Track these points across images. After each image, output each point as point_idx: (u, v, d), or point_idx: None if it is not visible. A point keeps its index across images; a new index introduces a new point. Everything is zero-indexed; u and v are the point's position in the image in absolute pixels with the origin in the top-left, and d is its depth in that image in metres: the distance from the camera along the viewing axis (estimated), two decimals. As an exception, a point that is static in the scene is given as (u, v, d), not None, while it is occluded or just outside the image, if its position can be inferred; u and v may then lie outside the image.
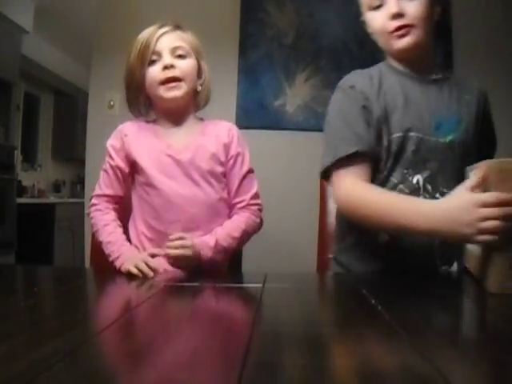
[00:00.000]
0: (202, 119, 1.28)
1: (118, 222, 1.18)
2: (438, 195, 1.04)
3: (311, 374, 0.45)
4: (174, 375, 0.45)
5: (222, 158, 1.20)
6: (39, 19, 3.98)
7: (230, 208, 1.22)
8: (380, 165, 1.07)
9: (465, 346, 0.55)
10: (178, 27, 1.19)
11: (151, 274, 1.00)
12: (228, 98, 2.50)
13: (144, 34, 1.16)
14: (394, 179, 1.06)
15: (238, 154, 1.21)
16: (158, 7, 2.56)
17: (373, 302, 0.75)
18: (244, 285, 1.05)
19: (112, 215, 1.18)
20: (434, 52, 1.14)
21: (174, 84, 1.13)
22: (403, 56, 1.10)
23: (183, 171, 1.16)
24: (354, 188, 1.02)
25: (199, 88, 1.23)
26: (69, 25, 4.35)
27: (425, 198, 1.04)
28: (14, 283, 1.02)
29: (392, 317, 0.66)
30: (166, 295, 0.87)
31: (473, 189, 0.82)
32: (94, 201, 1.20)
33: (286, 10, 2.52)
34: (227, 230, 1.15)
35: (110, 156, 1.20)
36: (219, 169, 1.20)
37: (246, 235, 1.18)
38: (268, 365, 0.47)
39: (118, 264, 1.07)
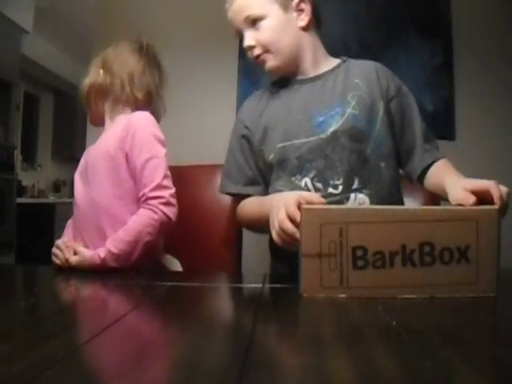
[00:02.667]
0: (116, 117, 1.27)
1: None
2: (330, 189, 1.08)
3: (311, 374, 0.45)
4: (174, 375, 0.45)
5: (114, 153, 1.15)
6: (39, 19, 3.98)
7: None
8: (269, 178, 1.16)
9: (465, 345, 0.55)
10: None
11: (65, 257, 1.08)
12: (228, 98, 2.49)
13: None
14: (281, 188, 1.11)
15: (133, 146, 1.13)
16: (158, 7, 2.56)
17: (372, 301, 0.75)
18: (244, 285, 1.05)
19: None
20: (313, 50, 1.16)
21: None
22: (275, 75, 1.19)
23: (84, 174, 1.22)
24: (237, 210, 1.21)
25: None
26: (69, 25, 4.35)
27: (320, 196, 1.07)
28: (14, 283, 1.02)
29: (392, 317, 0.66)
30: (166, 295, 0.87)
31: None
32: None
33: (285, 9, 2.52)
34: (120, 236, 1.10)
35: None
36: (112, 165, 1.15)
37: (145, 235, 1.10)
38: (268, 365, 0.47)
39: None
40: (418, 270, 0.76)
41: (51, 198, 4.74)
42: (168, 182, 1.13)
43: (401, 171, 1.18)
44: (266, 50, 1.11)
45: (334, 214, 0.79)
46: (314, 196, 0.90)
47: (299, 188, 1.09)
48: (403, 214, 0.80)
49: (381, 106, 1.12)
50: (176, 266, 1.29)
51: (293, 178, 1.10)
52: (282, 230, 0.83)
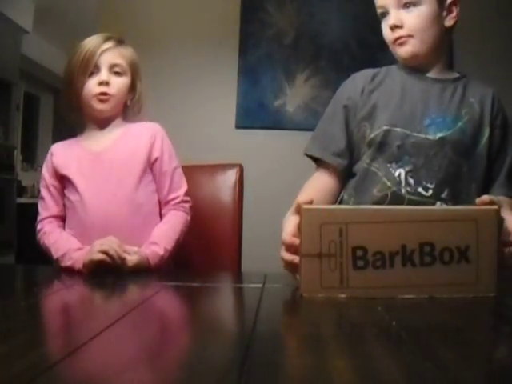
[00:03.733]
0: (126, 123, 1.29)
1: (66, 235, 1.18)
2: (420, 189, 1.08)
3: (311, 374, 0.45)
4: (174, 375, 0.45)
5: (144, 158, 1.20)
6: (39, 19, 3.98)
7: (163, 205, 1.23)
8: (361, 155, 1.15)
9: (465, 345, 0.55)
10: (120, 42, 1.24)
11: (119, 260, 1.01)
12: (228, 98, 2.50)
13: (89, 45, 1.21)
14: (375, 170, 1.12)
15: (163, 152, 1.23)
16: (158, 8, 2.56)
17: (372, 302, 0.75)
18: (244, 285, 1.05)
19: (58, 231, 1.18)
20: (446, 53, 1.19)
21: (104, 97, 1.19)
22: (406, 62, 1.17)
23: (105, 173, 1.19)
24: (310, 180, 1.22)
25: (129, 102, 1.27)
26: (69, 25, 4.34)
27: (407, 191, 1.09)
28: (14, 283, 1.02)
29: (392, 317, 0.66)
30: (166, 295, 0.87)
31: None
32: (38, 228, 1.20)
33: (285, 10, 2.52)
34: (169, 234, 1.16)
35: (43, 179, 1.24)
36: (140, 168, 1.20)
37: (182, 236, 1.19)
38: (268, 365, 0.47)
39: (75, 261, 1.06)
40: (418, 270, 0.76)
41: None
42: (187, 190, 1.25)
43: None
44: (410, 35, 1.11)
45: (333, 214, 0.79)
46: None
47: (392, 176, 1.10)
48: (403, 214, 0.80)
49: (487, 132, 1.14)
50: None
51: (388, 165, 1.11)
52: (283, 259, 0.86)
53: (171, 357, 0.50)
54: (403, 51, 1.13)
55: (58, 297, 0.88)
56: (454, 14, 1.14)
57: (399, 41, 1.12)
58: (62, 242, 1.14)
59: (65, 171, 1.20)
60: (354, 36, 2.42)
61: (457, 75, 1.20)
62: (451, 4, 1.13)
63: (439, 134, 1.10)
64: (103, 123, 1.25)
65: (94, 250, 1.02)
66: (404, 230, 0.77)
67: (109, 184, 1.17)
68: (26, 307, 0.74)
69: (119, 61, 1.21)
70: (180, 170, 1.25)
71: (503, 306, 0.76)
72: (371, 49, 2.33)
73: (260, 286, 0.89)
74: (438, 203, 1.09)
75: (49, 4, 3.93)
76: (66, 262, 1.08)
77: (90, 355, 0.51)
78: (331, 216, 0.78)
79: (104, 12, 2.58)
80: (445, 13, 1.13)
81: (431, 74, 1.17)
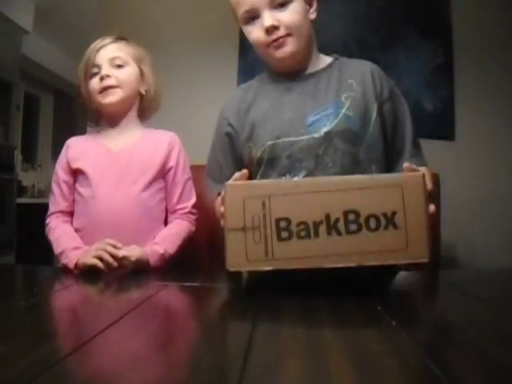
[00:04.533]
0: (144, 127, 1.32)
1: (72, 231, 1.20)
2: None
3: (311, 374, 0.45)
4: (174, 374, 0.45)
5: (160, 165, 1.23)
6: (39, 19, 3.98)
7: (170, 213, 1.26)
8: (255, 176, 1.12)
9: (465, 345, 0.55)
10: (119, 39, 1.25)
11: (115, 263, 1.03)
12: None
13: (89, 48, 1.24)
14: None
15: (178, 162, 1.27)
16: (158, 8, 2.56)
17: (373, 301, 0.75)
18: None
19: (63, 227, 1.20)
20: (315, 46, 1.16)
21: (107, 91, 1.20)
22: (284, 64, 1.13)
23: (121, 173, 1.20)
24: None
25: (143, 91, 1.28)
26: (69, 25, 4.34)
27: None
28: (14, 283, 1.02)
29: (392, 316, 0.66)
30: (167, 295, 0.87)
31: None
32: (46, 222, 1.24)
33: (286, 10, 2.52)
34: (172, 238, 1.19)
35: (56, 174, 1.26)
36: (154, 172, 1.22)
37: (185, 244, 1.22)
38: (268, 365, 0.47)
39: (70, 261, 1.07)
40: (345, 238, 0.76)
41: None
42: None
43: None
44: (289, 34, 1.07)
45: (256, 188, 0.80)
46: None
47: None
48: (325, 183, 0.80)
49: (374, 109, 1.10)
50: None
51: (283, 178, 1.08)
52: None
53: (171, 356, 0.50)
54: (282, 52, 1.08)
55: (58, 297, 0.88)
56: (314, 7, 1.12)
57: (276, 43, 1.07)
58: (63, 239, 1.16)
59: (79, 165, 1.21)
60: (353, 36, 2.42)
61: (329, 61, 1.16)
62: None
63: (324, 129, 1.07)
64: (116, 119, 1.25)
65: (89, 254, 1.04)
66: (327, 200, 0.77)
67: (122, 184, 1.19)
68: (26, 307, 0.74)
69: (118, 53, 1.22)
70: (191, 183, 1.29)
71: (503, 305, 0.76)
72: (371, 49, 2.33)
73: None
74: None
75: (49, 4, 3.93)
76: (63, 260, 1.10)
77: (90, 355, 0.51)
78: (254, 190, 0.79)
79: (104, 12, 2.58)
80: (307, 7, 1.11)
81: (303, 71, 1.14)
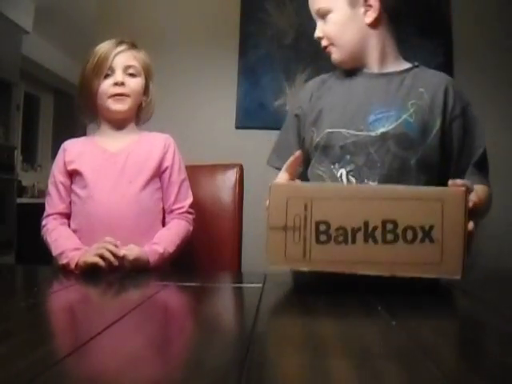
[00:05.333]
0: (140, 130, 1.32)
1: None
2: None
3: (311, 374, 0.45)
4: (173, 375, 0.45)
5: (155, 165, 1.23)
6: (39, 19, 3.98)
7: (167, 214, 1.26)
8: (312, 160, 1.18)
9: (465, 345, 0.55)
10: (133, 46, 1.27)
11: (116, 262, 1.03)
12: (228, 98, 2.49)
13: (102, 49, 1.24)
14: (321, 173, 1.14)
15: (173, 163, 1.26)
16: (158, 8, 2.56)
17: (373, 301, 0.75)
18: (244, 285, 1.05)
19: (61, 229, 1.19)
20: (381, 47, 1.17)
21: (120, 97, 1.21)
22: (340, 67, 1.20)
23: (117, 173, 1.21)
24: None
25: (144, 104, 1.30)
26: (69, 25, 4.34)
27: None
28: (14, 283, 1.02)
29: (392, 317, 0.66)
30: (167, 295, 0.87)
31: None
32: (42, 223, 1.22)
33: (286, 10, 2.52)
34: (171, 238, 1.19)
35: (52, 175, 1.26)
36: (150, 173, 1.22)
37: (184, 244, 1.22)
38: (268, 365, 0.47)
39: (70, 260, 1.07)
40: (380, 247, 0.76)
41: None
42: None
43: None
44: (331, 43, 1.15)
45: (300, 190, 0.82)
46: None
47: (335, 177, 1.11)
48: (366, 191, 0.82)
49: (439, 122, 1.10)
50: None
51: (332, 166, 1.12)
52: None
53: (171, 356, 0.50)
54: (332, 59, 1.17)
55: (58, 297, 0.88)
56: (373, 8, 1.12)
57: (326, 50, 1.17)
58: (62, 240, 1.15)
59: (76, 166, 1.22)
60: (354, 36, 2.42)
61: (407, 66, 1.17)
62: (366, 0, 1.12)
63: (381, 130, 1.09)
64: (119, 124, 1.27)
65: (91, 253, 1.04)
66: (367, 207, 0.78)
67: (119, 184, 1.19)
68: (26, 307, 0.74)
69: (133, 62, 1.24)
70: (187, 183, 1.29)
71: (503, 305, 0.76)
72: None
73: (260, 285, 0.89)
74: None
75: (49, 4, 3.93)
76: (63, 260, 1.09)
77: (90, 355, 0.51)
78: (297, 191, 0.81)
79: (104, 12, 2.58)
80: (362, 10, 1.12)
81: (375, 69, 1.16)
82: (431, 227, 0.76)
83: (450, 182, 0.82)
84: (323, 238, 0.78)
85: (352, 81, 1.18)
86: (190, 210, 1.27)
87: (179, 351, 0.53)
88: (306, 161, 1.19)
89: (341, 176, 1.10)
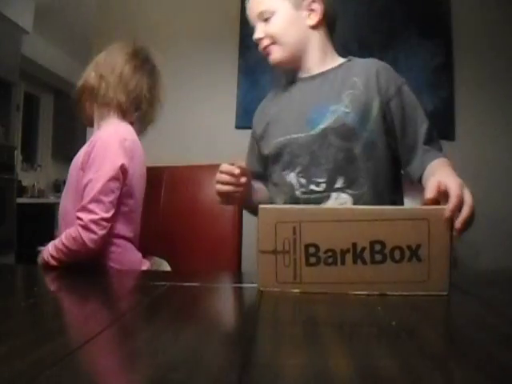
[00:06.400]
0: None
1: None
2: (312, 186, 1.11)
3: (311, 374, 0.45)
4: (174, 375, 0.45)
5: (80, 167, 1.20)
6: (39, 19, 3.98)
7: None
8: (268, 172, 1.23)
9: (465, 345, 0.55)
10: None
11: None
12: (228, 98, 2.50)
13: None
14: (276, 181, 1.18)
15: (88, 162, 1.17)
16: (158, 8, 2.56)
17: (373, 301, 0.75)
18: (244, 285, 1.05)
19: None
20: (321, 48, 1.19)
21: None
22: (280, 68, 1.23)
23: (67, 182, 1.25)
24: None
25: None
26: (69, 25, 4.35)
27: (301, 192, 1.12)
28: (14, 283, 1.02)
29: (392, 317, 0.66)
30: (166, 295, 0.87)
31: None
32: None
33: (286, 10, 2.52)
34: (56, 241, 1.15)
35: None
36: (76, 177, 1.20)
37: (67, 249, 1.12)
38: (268, 365, 0.47)
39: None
40: (369, 267, 0.78)
41: (51, 198, 4.73)
42: (94, 207, 1.12)
43: (402, 172, 1.18)
44: (273, 42, 1.16)
45: (288, 213, 0.82)
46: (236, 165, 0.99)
47: (287, 182, 1.13)
48: (354, 213, 0.83)
49: (376, 106, 1.11)
50: (165, 266, 1.30)
51: (283, 173, 1.15)
52: (219, 182, 0.99)
53: (171, 356, 0.50)
54: (271, 60, 1.18)
55: (58, 297, 0.88)
56: (316, 12, 1.15)
57: (264, 51, 1.18)
58: None
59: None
60: (354, 36, 2.42)
61: (341, 61, 1.20)
62: (310, 4, 1.15)
63: (320, 126, 1.11)
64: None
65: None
66: (355, 229, 0.79)
67: (64, 197, 1.25)
68: (26, 307, 0.74)
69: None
70: (92, 184, 1.14)
71: (503, 305, 0.76)
72: (371, 49, 2.33)
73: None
74: (334, 194, 1.09)
75: (49, 4, 3.93)
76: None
77: (90, 355, 0.51)
78: (286, 215, 0.82)
79: (104, 12, 2.58)
80: (305, 13, 1.16)
81: (315, 70, 1.19)
82: (418, 246, 0.78)
83: (426, 199, 0.82)
84: (313, 260, 0.79)
85: (291, 88, 1.22)
86: (77, 214, 1.13)
87: (179, 351, 0.53)
88: (264, 174, 1.25)
89: (291, 180, 1.13)
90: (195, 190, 1.40)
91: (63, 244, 1.12)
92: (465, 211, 0.78)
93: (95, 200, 1.12)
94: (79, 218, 1.11)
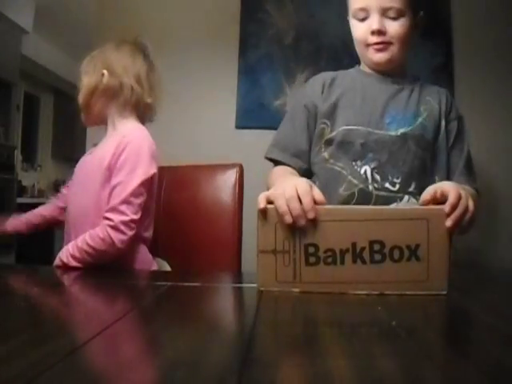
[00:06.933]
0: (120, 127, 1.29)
1: None
2: (387, 184, 1.12)
3: (311, 374, 0.45)
4: (174, 375, 0.45)
5: (106, 166, 1.18)
6: (39, 19, 3.98)
7: None
8: (318, 153, 1.19)
9: (465, 345, 0.55)
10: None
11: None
12: (228, 98, 2.49)
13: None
14: (339, 169, 1.15)
15: (116, 165, 1.17)
16: (158, 7, 2.56)
17: (372, 301, 0.75)
18: (244, 285, 1.05)
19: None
20: (406, 62, 1.26)
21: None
22: (378, 67, 1.21)
23: (77, 179, 1.25)
24: (269, 174, 1.22)
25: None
26: (69, 25, 4.35)
27: (374, 187, 1.12)
28: (14, 283, 1.02)
29: (392, 317, 0.66)
30: (166, 295, 0.87)
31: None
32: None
33: (285, 10, 2.52)
34: (77, 241, 1.13)
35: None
36: (102, 177, 1.18)
37: (93, 250, 1.11)
38: (268, 365, 0.47)
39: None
40: (368, 267, 0.79)
41: (51, 198, 4.73)
42: (126, 208, 1.13)
43: None
44: (391, 43, 1.15)
45: None
46: (318, 193, 0.84)
47: (358, 174, 1.13)
48: (353, 213, 0.83)
49: (443, 125, 1.20)
50: (165, 267, 1.30)
51: (353, 163, 1.14)
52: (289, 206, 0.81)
53: (171, 356, 0.50)
54: (380, 56, 1.17)
55: (58, 297, 0.88)
56: (419, 27, 1.20)
57: (378, 46, 1.16)
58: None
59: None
60: (354, 36, 2.42)
61: (411, 79, 1.25)
62: (420, 19, 1.18)
63: (401, 130, 1.14)
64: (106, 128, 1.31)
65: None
66: (354, 229, 0.80)
67: (83, 195, 1.23)
68: (26, 307, 0.74)
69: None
70: (122, 187, 1.15)
71: (503, 306, 0.76)
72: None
73: (260, 285, 0.88)
74: (406, 197, 1.12)
75: (49, 4, 3.93)
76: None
77: (90, 355, 0.51)
78: None
79: (104, 12, 2.58)
80: (416, 25, 1.18)
81: (390, 77, 1.22)
82: (417, 246, 0.78)
83: (423, 200, 0.84)
84: (312, 259, 0.80)
85: (365, 82, 1.22)
86: (106, 215, 1.13)
87: (179, 351, 0.53)
88: (308, 154, 1.22)
89: (365, 173, 1.13)
90: (195, 189, 1.40)
91: (88, 245, 1.11)
92: (458, 211, 0.79)
93: (126, 202, 1.13)
94: (108, 219, 1.12)
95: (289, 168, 1.20)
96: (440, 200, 0.82)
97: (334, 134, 1.17)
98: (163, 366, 0.47)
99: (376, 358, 0.49)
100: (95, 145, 1.35)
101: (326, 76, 1.27)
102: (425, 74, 2.46)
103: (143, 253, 1.25)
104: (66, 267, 1.12)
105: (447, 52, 2.46)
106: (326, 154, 1.18)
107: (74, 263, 1.12)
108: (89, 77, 1.27)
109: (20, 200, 3.91)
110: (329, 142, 1.17)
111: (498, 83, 2.43)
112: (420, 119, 1.17)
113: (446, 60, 2.46)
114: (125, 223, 1.12)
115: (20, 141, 4.58)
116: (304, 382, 0.43)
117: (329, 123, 1.18)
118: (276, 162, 1.24)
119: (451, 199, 0.79)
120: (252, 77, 2.50)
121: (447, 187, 0.83)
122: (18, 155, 4.08)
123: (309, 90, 1.26)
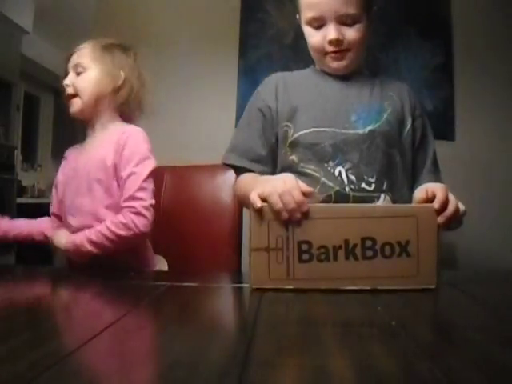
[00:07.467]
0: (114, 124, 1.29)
1: None
2: (363, 185, 1.10)
3: (311, 374, 0.45)
4: (174, 375, 0.45)
5: (110, 164, 1.19)
6: (39, 19, 3.98)
7: None
8: (284, 157, 1.16)
9: (465, 345, 0.55)
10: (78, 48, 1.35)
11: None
12: (228, 98, 2.50)
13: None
14: (311, 172, 1.12)
15: (123, 158, 1.19)
16: (158, 8, 2.56)
17: (372, 301, 0.75)
18: (244, 285, 1.05)
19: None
20: (363, 60, 1.23)
21: (72, 100, 1.27)
22: (336, 73, 1.19)
23: (76, 181, 1.23)
24: (235, 184, 1.23)
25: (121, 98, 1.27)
26: (69, 25, 4.34)
27: (351, 189, 1.10)
28: (14, 283, 1.02)
29: (392, 317, 0.66)
30: (166, 295, 0.87)
31: None
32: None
33: (285, 10, 2.52)
34: (96, 227, 1.15)
35: (56, 177, 1.36)
36: (105, 175, 1.19)
37: (116, 236, 1.14)
38: (268, 365, 0.47)
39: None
40: (361, 263, 0.81)
41: (51, 198, 4.73)
42: (143, 194, 1.17)
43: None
44: (348, 50, 1.14)
45: None
46: (303, 185, 0.87)
47: (333, 176, 1.11)
48: (345, 210, 0.85)
49: (409, 122, 1.19)
50: (164, 265, 1.30)
51: (325, 165, 1.12)
52: (287, 197, 0.82)
53: (171, 356, 0.50)
54: (338, 64, 1.15)
55: (58, 297, 0.88)
56: (373, 23, 1.18)
57: (335, 55, 1.14)
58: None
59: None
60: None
61: (369, 75, 1.23)
62: (374, 14, 1.17)
63: (368, 128, 1.13)
64: (90, 128, 1.32)
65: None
66: (347, 226, 0.81)
67: (78, 195, 1.23)
68: (25, 307, 0.74)
69: (79, 60, 1.31)
70: (135, 176, 1.18)
71: (503, 306, 0.76)
72: (371, 49, 2.33)
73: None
74: (382, 195, 1.11)
75: (49, 4, 3.93)
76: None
77: (90, 355, 0.51)
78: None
79: (103, 12, 2.58)
80: (370, 25, 1.16)
81: (348, 76, 1.20)
82: (407, 242, 0.81)
83: (417, 199, 0.88)
84: (305, 256, 0.81)
85: (324, 81, 1.20)
86: (126, 204, 1.16)
87: (179, 351, 0.53)
88: (273, 161, 1.19)
89: (340, 174, 1.11)
90: (195, 189, 1.40)
91: (111, 231, 1.13)
92: (449, 209, 0.83)
93: (141, 188, 1.17)
94: (129, 207, 1.15)
95: (254, 173, 1.17)
96: (431, 199, 0.85)
97: (297, 135, 1.14)
98: (163, 366, 0.47)
99: (376, 358, 0.49)
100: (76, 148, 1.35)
101: (279, 77, 1.25)
102: (425, 74, 2.46)
103: (149, 249, 1.28)
104: (76, 252, 1.14)
105: (447, 52, 2.46)
106: (294, 158, 1.14)
107: (88, 247, 1.13)
108: (102, 67, 1.26)
109: (20, 200, 3.91)
110: (294, 145, 1.14)
111: (497, 83, 2.44)
112: (385, 115, 1.16)
113: (446, 60, 2.46)
114: (146, 207, 1.16)
115: (20, 141, 4.57)
116: (304, 381, 0.43)
117: (291, 125, 1.16)
118: (235, 168, 1.22)
119: (439, 197, 0.83)
120: (252, 77, 2.50)
121: (435, 186, 0.88)
122: (18, 155, 4.08)
123: (262, 93, 1.23)
